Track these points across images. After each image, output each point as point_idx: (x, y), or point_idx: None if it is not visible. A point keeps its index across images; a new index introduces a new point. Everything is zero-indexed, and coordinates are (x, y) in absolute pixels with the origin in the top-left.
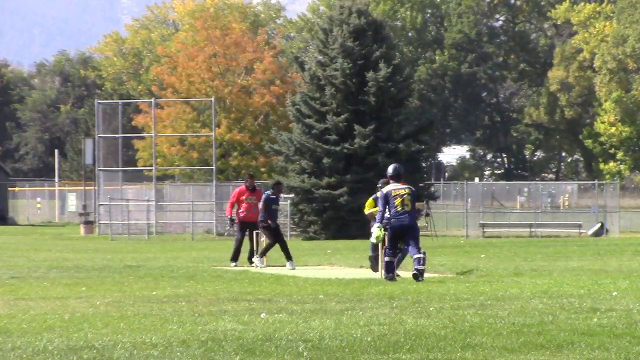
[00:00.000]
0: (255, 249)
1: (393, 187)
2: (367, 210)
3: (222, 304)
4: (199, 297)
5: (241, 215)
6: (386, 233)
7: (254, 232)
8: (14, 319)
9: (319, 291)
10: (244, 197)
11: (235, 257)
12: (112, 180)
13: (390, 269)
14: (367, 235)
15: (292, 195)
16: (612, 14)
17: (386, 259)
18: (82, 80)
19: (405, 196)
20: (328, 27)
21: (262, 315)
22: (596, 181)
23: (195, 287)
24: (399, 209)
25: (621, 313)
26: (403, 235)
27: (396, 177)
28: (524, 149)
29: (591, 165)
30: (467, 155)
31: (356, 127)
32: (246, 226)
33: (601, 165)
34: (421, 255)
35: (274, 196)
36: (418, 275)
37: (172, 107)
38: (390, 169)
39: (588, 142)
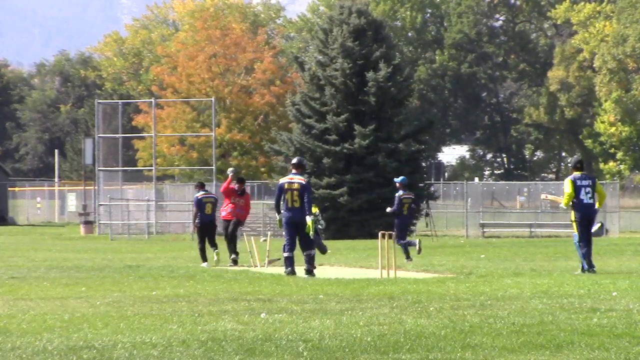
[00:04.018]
0: (253, 250)
1: (287, 179)
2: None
3: (222, 304)
4: (199, 297)
5: (223, 213)
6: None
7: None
8: (13, 319)
9: (319, 291)
10: (232, 197)
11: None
12: (112, 180)
13: (289, 264)
14: (366, 234)
15: None
16: (612, 14)
17: (285, 254)
18: (82, 80)
19: (294, 192)
20: (328, 27)
21: (262, 315)
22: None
23: (195, 287)
24: (289, 204)
25: (621, 313)
26: (297, 230)
27: (296, 167)
28: (523, 149)
29: (591, 165)
30: (467, 155)
31: (356, 127)
32: (227, 224)
33: (601, 165)
34: (311, 252)
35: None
36: (308, 274)
37: (172, 107)
38: (295, 159)
39: (588, 142)
